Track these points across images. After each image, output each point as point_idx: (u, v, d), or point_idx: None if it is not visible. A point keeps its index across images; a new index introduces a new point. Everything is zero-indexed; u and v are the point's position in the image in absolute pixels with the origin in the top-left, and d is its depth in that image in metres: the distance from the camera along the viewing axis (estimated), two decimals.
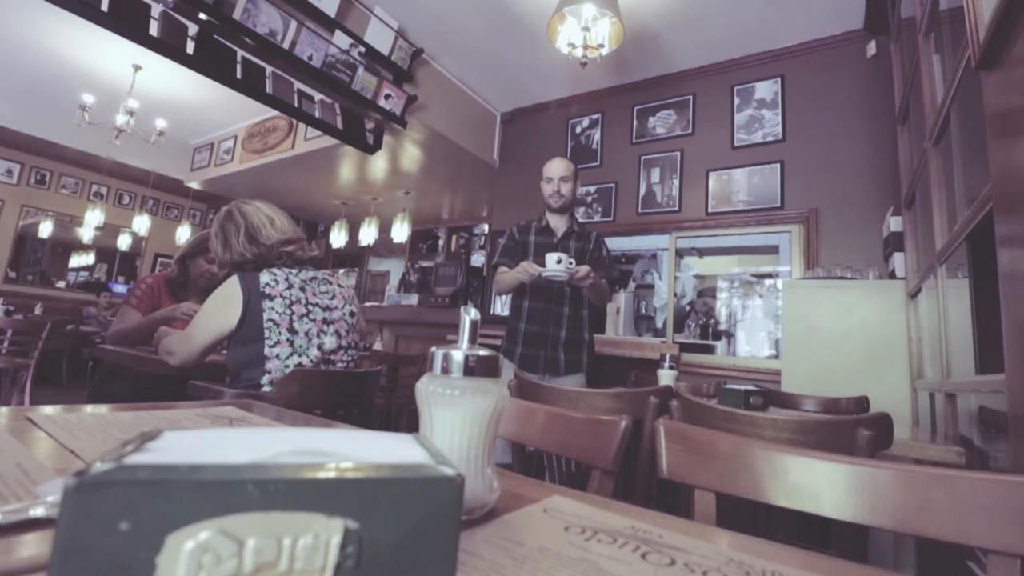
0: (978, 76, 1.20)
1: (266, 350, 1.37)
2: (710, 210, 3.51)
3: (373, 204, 6.24)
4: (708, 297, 5.00)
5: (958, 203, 1.61)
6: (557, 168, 2.32)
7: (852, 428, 1.08)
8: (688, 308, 4.70)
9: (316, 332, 1.45)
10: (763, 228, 3.40)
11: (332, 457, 0.22)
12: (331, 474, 0.20)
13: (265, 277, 1.42)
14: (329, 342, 1.47)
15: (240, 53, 3.06)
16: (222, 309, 1.40)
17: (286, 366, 1.39)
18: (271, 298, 1.39)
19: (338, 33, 3.20)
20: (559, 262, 1.93)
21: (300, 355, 1.41)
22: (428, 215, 6.63)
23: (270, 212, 1.53)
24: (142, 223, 6.70)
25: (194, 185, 6.20)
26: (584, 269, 1.99)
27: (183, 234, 7.01)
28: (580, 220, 2.33)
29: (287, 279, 1.45)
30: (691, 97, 3.75)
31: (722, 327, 4.70)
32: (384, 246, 6.89)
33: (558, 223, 2.30)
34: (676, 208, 3.65)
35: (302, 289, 1.47)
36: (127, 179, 7.51)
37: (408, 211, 6.08)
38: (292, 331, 1.41)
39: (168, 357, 1.49)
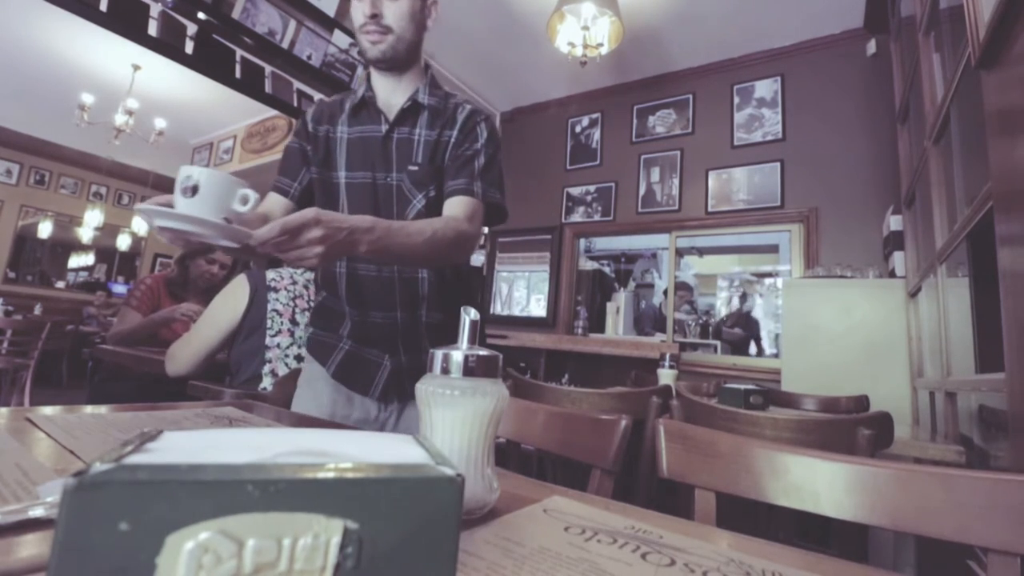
0: (978, 75, 1.20)
1: (267, 339, 1.42)
2: (710, 209, 3.51)
3: None
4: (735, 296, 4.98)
5: (958, 202, 1.61)
6: None
7: (853, 427, 1.08)
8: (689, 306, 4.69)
9: None
10: (763, 227, 3.40)
11: (332, 457, 0.22)
12: (331, 474, 0.20)
13: (271, 273, 1.51)
14: None
15: (239, 53, 3.06)
16: (230, 303, 1.46)
17: (286, 355, 1.44)
18: (276, 290, 1.48)
19: (337, 32, 3.20)
20: (188, 192, 0.69)
21: (300, 346, 1.46)
22: None
23: None
24: (142, 223, 6.70)
25: None
26: (282, 224, 0.69)
27: None
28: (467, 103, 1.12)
29: (291, 276, 1.54)
30: (691, 96, 3.75)
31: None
32: None
33: (390, 92, 1.08)
34: (676, 207, 3.65)
35: (305, 287, 1.55)
36: (127, 179, 7.50)
37: None
38: (294, 322, 1.48)
39: (169, 362, 1.49)
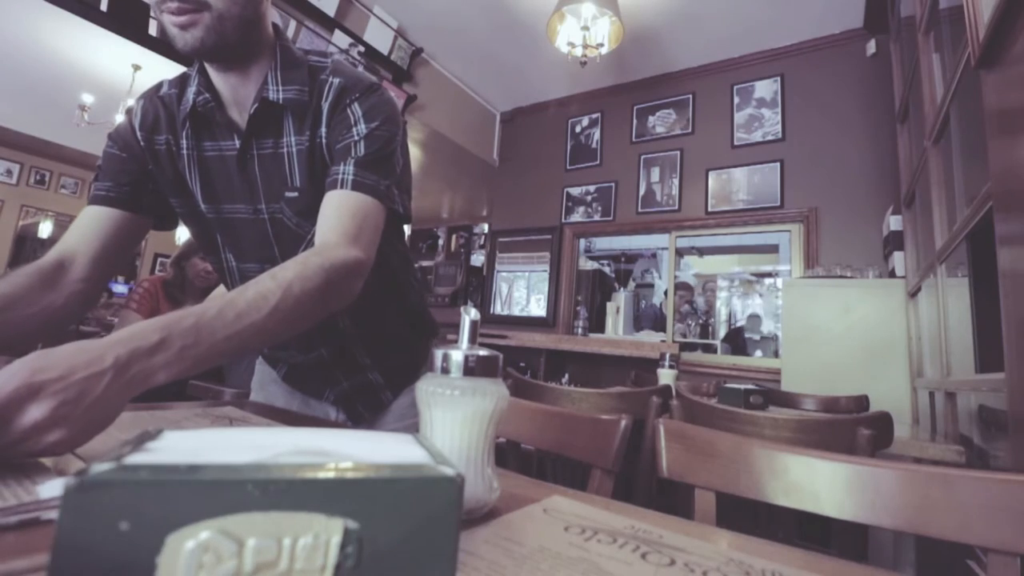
0: (978, 75, 1.20)
1: None
2: (710, 209, 3.51)
3: None
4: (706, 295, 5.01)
5: (958, 202, 1.61)
6: None
7: (852, 427, 1.08)
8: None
9: None
10: (763, 227, 3.40)
11: (332, 457, 0.22)
12: (331, 474, 0.20)
13: None
14: None
15: None
16: None
17: None
18: None
19: (337, 32, 3.20)
20: None
21: None
22: (428, 215, 6.63)
23: None
24: None
25: None
26: None
27: (183, 234, 7.00)
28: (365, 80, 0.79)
29: None
30: (691, 96, 3.75)
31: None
32: None
33: (236, 90, 0.76)
34: (676, 207, 3.65)
35: None
36: None
37: None
38: None
39: None
